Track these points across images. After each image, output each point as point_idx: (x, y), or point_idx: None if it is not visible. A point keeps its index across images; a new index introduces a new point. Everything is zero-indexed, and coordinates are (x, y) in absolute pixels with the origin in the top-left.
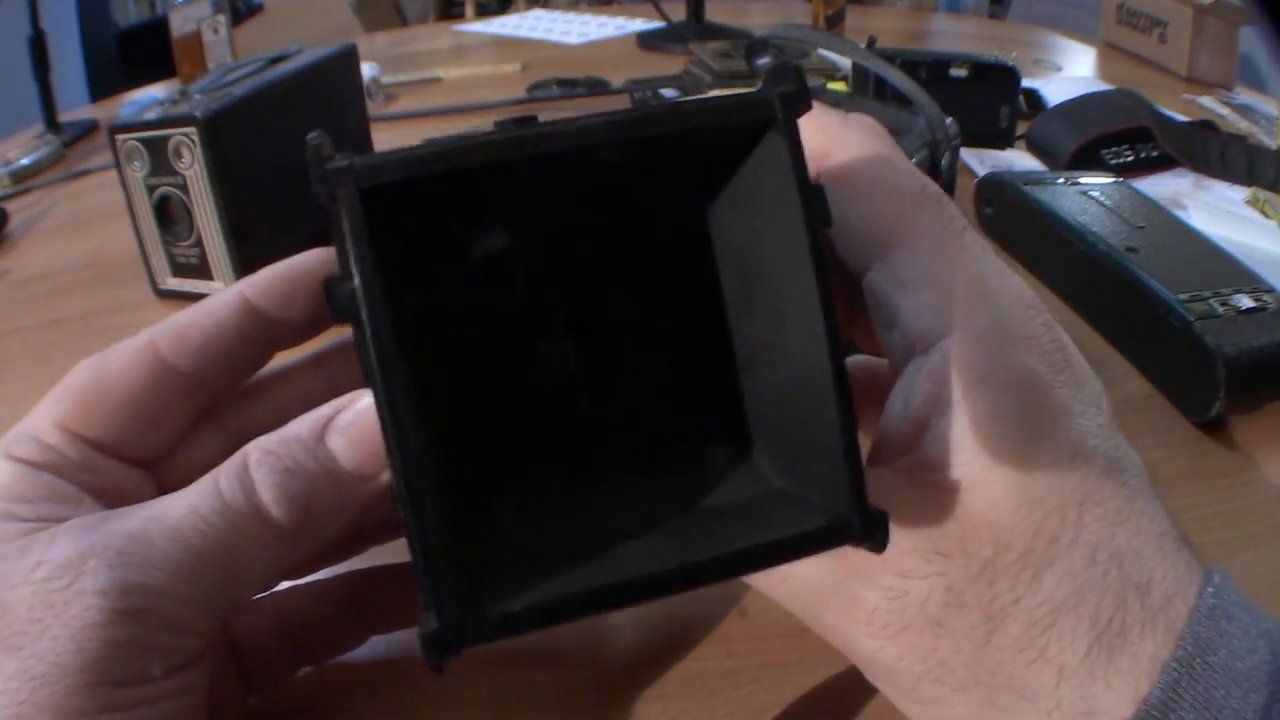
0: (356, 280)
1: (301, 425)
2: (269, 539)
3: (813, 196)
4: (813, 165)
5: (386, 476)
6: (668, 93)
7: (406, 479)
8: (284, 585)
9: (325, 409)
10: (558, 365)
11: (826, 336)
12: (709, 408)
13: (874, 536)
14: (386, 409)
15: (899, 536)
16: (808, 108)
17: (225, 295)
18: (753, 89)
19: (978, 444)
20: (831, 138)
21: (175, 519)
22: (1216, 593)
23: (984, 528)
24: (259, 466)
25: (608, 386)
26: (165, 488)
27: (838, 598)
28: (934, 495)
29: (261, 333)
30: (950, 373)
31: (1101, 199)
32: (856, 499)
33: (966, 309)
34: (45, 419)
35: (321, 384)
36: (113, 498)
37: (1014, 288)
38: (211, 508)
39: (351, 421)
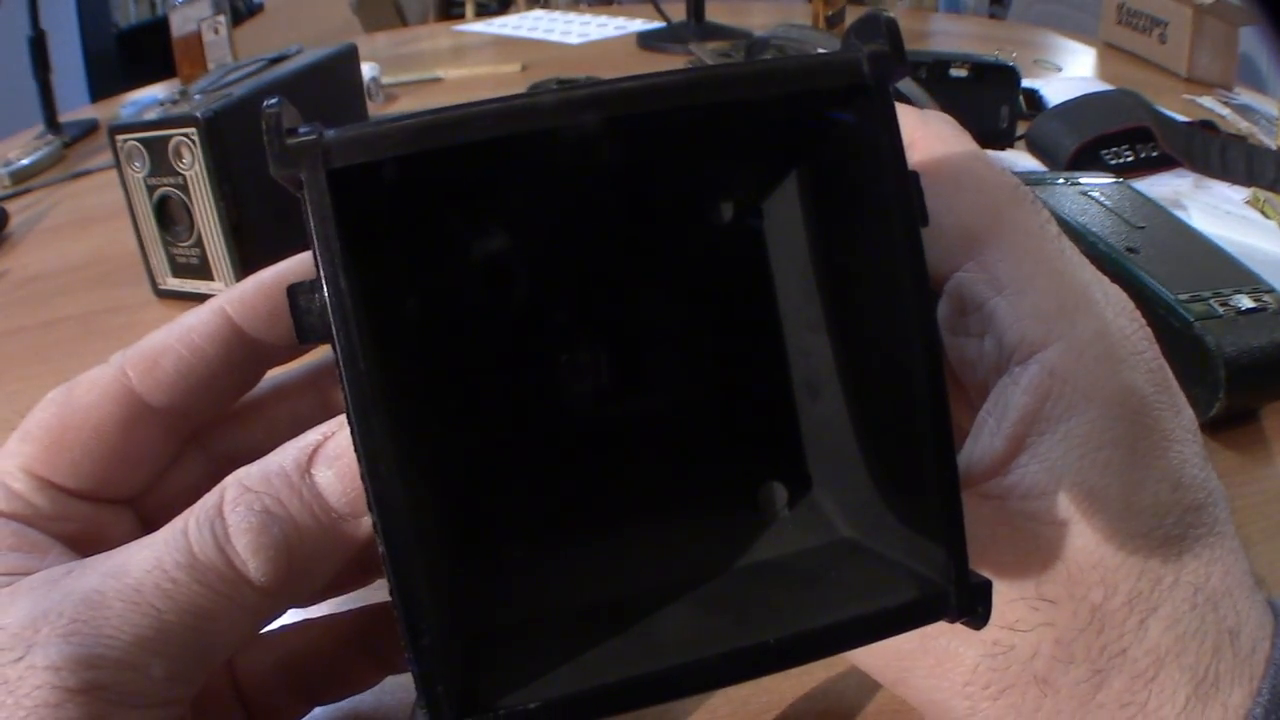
0: (325, 289)
1: (285, 456)
2: (246, 595)
3: (910, 186)
4: None
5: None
6: None
7: (387, 537)
8: (291, 617)
9: (312, 435)
10: (581, 383)
11: (926, 357)
12: (759, 437)
13: (974, 612)
14: (361, 447)
15: (998, 582)
16: (906, 70)
17: (203, 314)
18: (829, 51)
19: (1082, 471)
20: (912, 127)
21: (135, 577)
22: None
23: (1090, 568)
24: (234, 508)
25: (638, 409)
26: (148, 522)
27: (929, 656)
28: (1035, 530)
29: (246, 355)
30: (1053, 388)
31: (1101, 199)
32: (956, 566)
33: (1070, 318)
34: (10, 462)
35: (316, 401)
36: (86, 543)
37: (1116, 297)
38: (177, 562)
39: (342, 450)
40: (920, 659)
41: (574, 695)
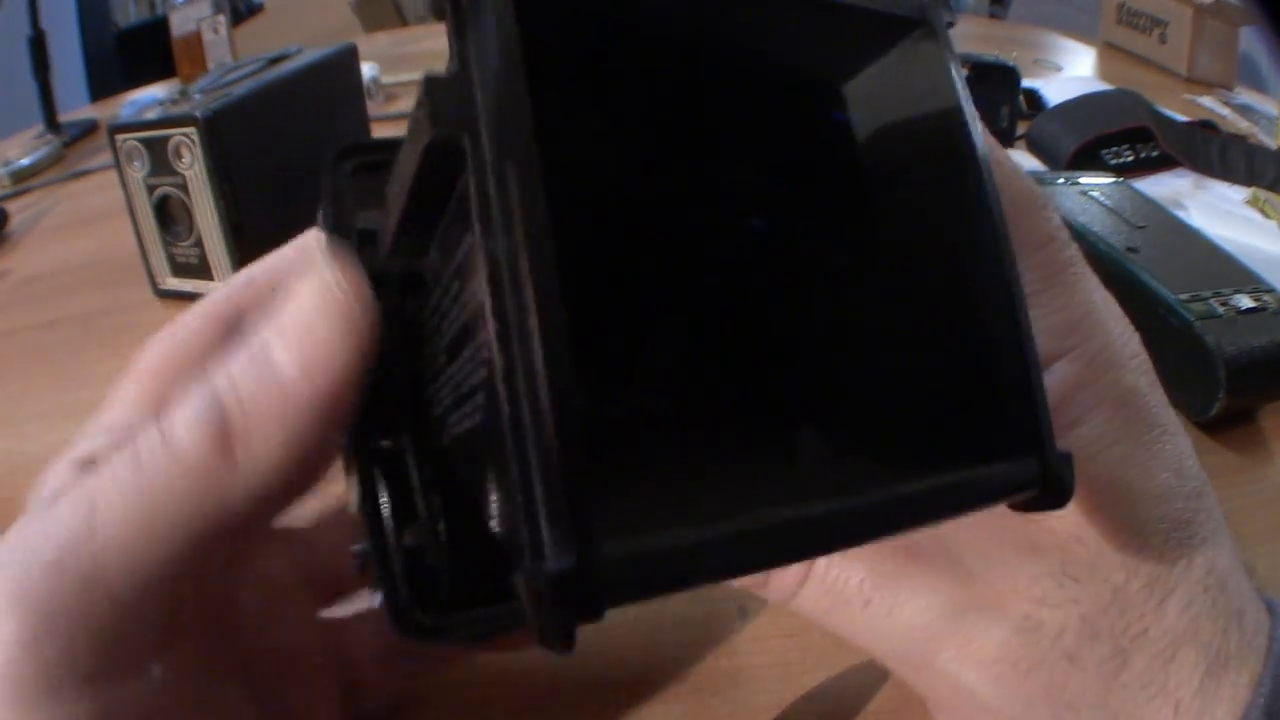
0: (488, 62)
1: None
2: (176, 469)
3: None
4: None
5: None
6: None
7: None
8: None
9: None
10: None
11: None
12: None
13: (1063, 483)
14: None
15: (1024, 562)
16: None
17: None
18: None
19: (1098, 466)
20: None
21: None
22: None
23: (1111, 551)
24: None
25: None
26: None
27: (958, 634)
28: (1058, 518)
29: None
30: (1067, 395)
31: (1102, 199)
32: (1043, 433)
33: (1081, 331)
34: None
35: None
36: None
37: (1114, 307)
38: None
39: (293, 312)
40: (948, 640)
41: (704, 541)
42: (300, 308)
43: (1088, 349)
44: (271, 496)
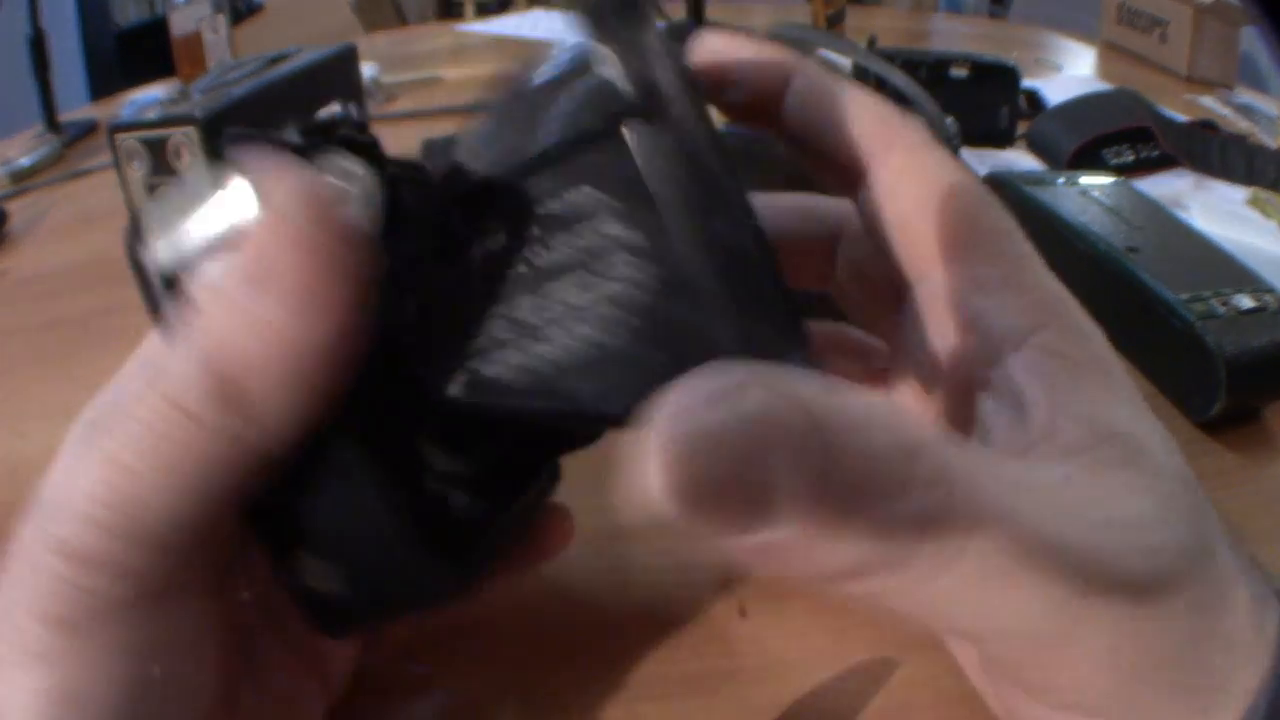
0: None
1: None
2: (179, 423)
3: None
4: (872, 158)
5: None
6: None
7: None
8: None
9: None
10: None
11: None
12: None
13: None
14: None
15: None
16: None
17: None
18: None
19: (1131, 424)
20: (893, 130)
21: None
22: None
23: (1182, 491)
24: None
25: None
26: None
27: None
28: (1137, 469)
29: None
30: (1054, 361)
31: (1102, 199)
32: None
33: (1053, 308)
34: None
35: None
36: None
37: (1075, 300)
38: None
39: (256, 235)
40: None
41: None
42: (257, 241)
43: (1061, 324)
44: (291, 433)
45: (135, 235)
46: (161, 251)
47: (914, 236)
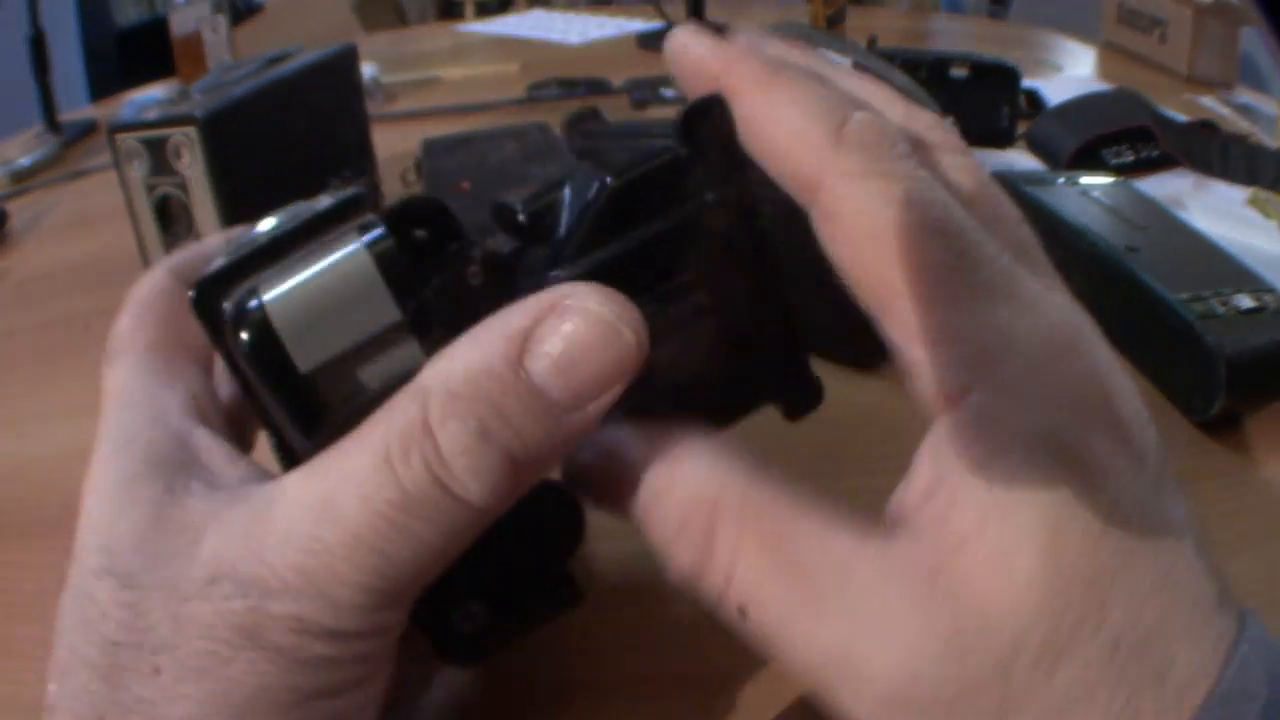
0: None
1: (488, 349)
2: (468, 517)
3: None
4: (805, 197)
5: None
6: (668, 92)
7: None
8: None
9: (515, 319)
10: None
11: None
12: None
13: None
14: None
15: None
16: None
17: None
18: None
19: (1000, 522)
20: (823, 162)
21: (352, 523)
22: (1240, 669)
23: (1006, 614)
24: (442, 424)
25: None
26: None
27: (849, 667)
28: (955, 577)
29: None
30: (970, 440)
31: (1102, 199)
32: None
33: (989, 361)
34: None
35: None
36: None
37: (1042, 325)
38: (390, 501)
39: (560, 333)
40: (844, 670)
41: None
42: (578, 343)
43: (998, 381)
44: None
45: (263, 334)
46: (302, 353)
47: (851, 280)
